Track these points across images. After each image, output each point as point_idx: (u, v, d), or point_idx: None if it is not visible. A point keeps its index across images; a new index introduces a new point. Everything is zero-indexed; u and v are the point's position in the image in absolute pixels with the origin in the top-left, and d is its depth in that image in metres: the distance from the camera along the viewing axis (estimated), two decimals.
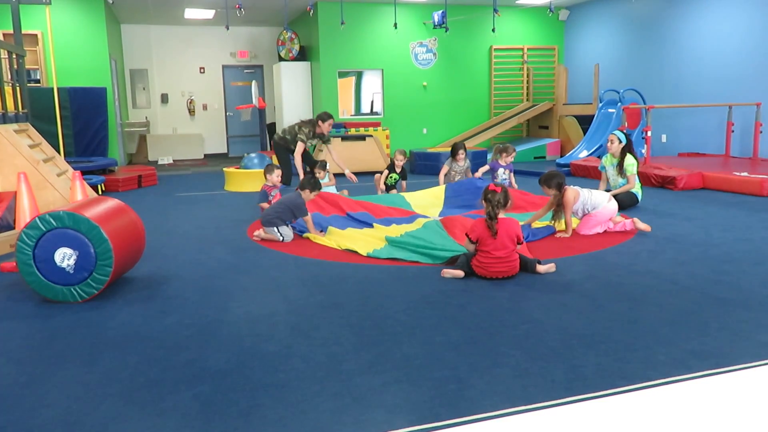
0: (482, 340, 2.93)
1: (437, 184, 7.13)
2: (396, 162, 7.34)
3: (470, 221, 4.48)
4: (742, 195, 7.30)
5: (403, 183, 7.41)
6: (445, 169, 7.29)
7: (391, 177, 7.37)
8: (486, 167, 7.09)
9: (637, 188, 6.18)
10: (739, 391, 2.40)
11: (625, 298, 3.55)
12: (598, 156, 10.50)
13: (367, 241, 5.03)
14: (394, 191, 7.30)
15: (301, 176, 6.81)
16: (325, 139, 7.39)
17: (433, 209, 6.26)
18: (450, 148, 7.36)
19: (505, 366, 2.62)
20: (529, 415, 2.21)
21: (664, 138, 11.45)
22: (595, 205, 5.16)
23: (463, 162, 7.28)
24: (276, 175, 6.27)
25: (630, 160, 6.04)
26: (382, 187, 7.41)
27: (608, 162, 6.31)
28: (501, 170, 6.95)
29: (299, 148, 7.07)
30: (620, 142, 6.15)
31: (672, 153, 11.15)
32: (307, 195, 5.38)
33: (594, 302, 3.49)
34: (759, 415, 2.20)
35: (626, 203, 6.12)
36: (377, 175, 7.55)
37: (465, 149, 7.28)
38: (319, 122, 7.17)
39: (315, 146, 8.14)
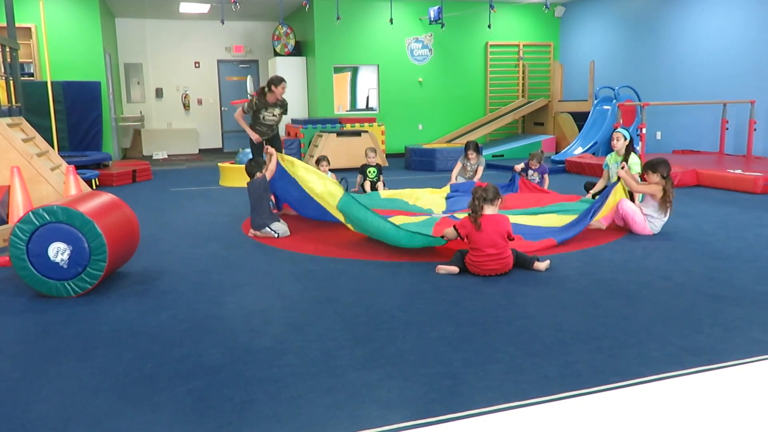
0: (476, 336, 2.93)
1: (434, 180, 7.19)
2: (368, 160, 7.42)
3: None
4: (735, 192, 7.33)
5: (380, 178, 7.45)
6: (458, 166, 7.49)
7: (370, 172, 7.42)
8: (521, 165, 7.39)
9: None
10: (732, 387, 2.41)
11: (619, 294, 3.56)
12: (593, 153, 10.53)
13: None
14: (380, 185, 7.36)
15: (250, 133, 6.60)
16: (283, 112, 6.73)
17: (438, 208, 6.28)
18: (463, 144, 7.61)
19: (499, 362, 2.63)
20: (522, 411, 2.21)
21: (658, 135, 11.48)
22: (654, 226, 5.12)
23: (475, 160, 7.45)
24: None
25: (634, 159, 6.01)
26: (368, 186, 7.39)
27: (612, 160, 6.29)
28: (530, 171, 7.32)
29: (238, 114, 6.67)
30: (625, 139, 6.14)
31: (667, 150, 11.18)
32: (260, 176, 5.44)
33: (588, 299, 3.50)
34: (752, 412, 2.22)
35: None
36: (359, 176, 7.56)
37: (476, 148, 7.44)
38: (272, 87, 6.43)
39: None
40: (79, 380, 2.52)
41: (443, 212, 6.00)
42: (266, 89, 6.46)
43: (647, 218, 5.12)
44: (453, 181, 7.37)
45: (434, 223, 5.19)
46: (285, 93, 6.58)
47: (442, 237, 4.34)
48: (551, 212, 5.81)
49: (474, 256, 3.98)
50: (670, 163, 5.22)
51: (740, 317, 3.14)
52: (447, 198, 6.60)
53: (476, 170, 7.44)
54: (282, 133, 13.04)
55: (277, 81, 6.44)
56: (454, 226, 4.15)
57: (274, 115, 6.62)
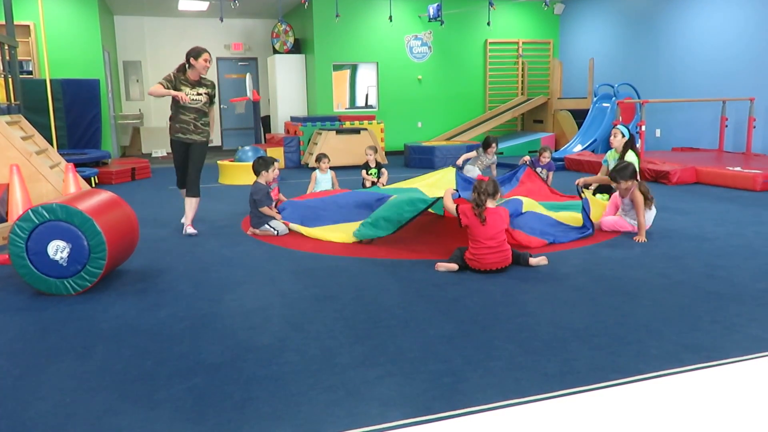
0: (476, 334, 2.93)
1: None
2: (368, 159, 7.54)
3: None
4: (735, 190, 7.33)
5: (384, 173, 7.59)
6: (473, 154, 7.50)
7: (372, 173, 7.56)
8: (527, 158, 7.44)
9: None
10: (731, 384, 2.41)
11: (618, 292, 3.57)
12: (592, 150, 10.53)
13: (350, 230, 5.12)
14: (384, 180, 7.53)
15: (173, 93, 5.15)
16: (211, 95, 5.45)
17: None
18: (483, 141, 7.61)
19: (498, 359, 2.63)
20: (522, 408, 2.22)
21: (658, 133, 11.48)
22: (627, 225, 5.08)
23: (492, 156, 7.52)
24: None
25: (630, 157, 6.03)
26: (368, 183, 7.52)
27: (611, 156, 6.32)
28: (539, 169, 7.33)
29: (154, 88, 5.20)
30: (623, 136, 6.16)
31: (666, 148, 11.18)
32: (266, 176, 5.42)
33: (587, 296, 3.50)
34: (750, 408, 2.22)
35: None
36: (363, 172, 7.69)
37: (497, 145, 7.55)
38: (191, 60, 5.25)
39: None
40: (79, 378, 2.52)
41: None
42: (186, 65, 5.28)
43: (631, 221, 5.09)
44: (459, 164, 7.40)
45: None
46: (209, 69, 5.40)
47: (442, 204, 4.35)
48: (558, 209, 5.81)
49: (474, 249, 3.98)
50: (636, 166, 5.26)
51: (739, 314, 3.15)
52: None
53: (491, 166, 7.54)
54: (281, 130, 13.04)
55: (197, 52, 5.25)
56: (457, 208, 4.14)
57: (199, 94, 5.29)
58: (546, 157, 7.34)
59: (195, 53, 5.27)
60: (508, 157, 11.38)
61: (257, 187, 5.35)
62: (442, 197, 4.38)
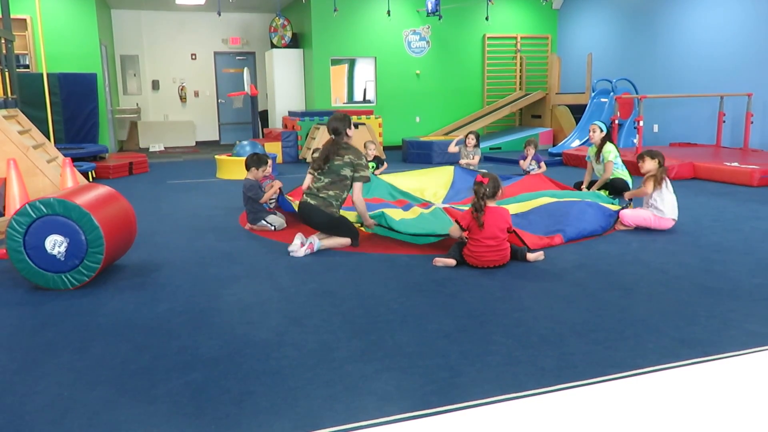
0: (473, 329, 2.94)
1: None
2: (367, 153, 7.68)
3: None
4: (732, 185, 7.34)
5: (384, 165, 7.82)
6: (456, 149, 7.86)
7: (369, 166, 7.69)
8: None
9: (625, 176, 6.23)
10: (727, 379, 2.42)
11: (615, 287, 3.58)
12: (589, 145, 10.54)
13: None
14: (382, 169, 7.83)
15: (367, 218, 4.71)
16: None
17: (440, 191, 6.30)
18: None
19: (496, 354, 2.64)
20: (519, 403, 2.22)
21: (656, 128, 11.49)
22: (662, 212, 4.93)
23: (472, 148, 7.83)
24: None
25: (608, 148, 6.10)
26: None
27: (592, 152, 6.39)
28: (525, 160, 7.63)
29: (359, 190, 4.60)
30: (601, 131, 6.21)
31: (664, 143, 11.18)
32: (255, 173, 5.39)
33: (584, 291, 3.51)
34: (746, 403, 2.23)
35: (616, 190, 6.14)
36: None
37: (477, 136, 7.93)
38: (348, 132, 4.67)
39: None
40: (77, 372, 2.53)
41: (443, 202, 5.99)
42: (339, 135, 4.63)
43: (656, 211, 5.00)
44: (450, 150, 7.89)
45: (444, 213, 5.14)
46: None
47: (449, 236, 4.33)
48: (542, 196, 5.82)
49: (473, 246, 3.99)
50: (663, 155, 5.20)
51: (736, 309, 3.16)
52: (451, 187, 6.63)
53: (473, 158, 7.77)
54: (279, 125, 13.03)
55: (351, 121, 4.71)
56: (456, 221, 4.15)
57: None
58: (531, 149, 7.49)
59: (350, 122, 4.67)
60: (507, 153, 11.38)
61: (249, 183, 5.32)
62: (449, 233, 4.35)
